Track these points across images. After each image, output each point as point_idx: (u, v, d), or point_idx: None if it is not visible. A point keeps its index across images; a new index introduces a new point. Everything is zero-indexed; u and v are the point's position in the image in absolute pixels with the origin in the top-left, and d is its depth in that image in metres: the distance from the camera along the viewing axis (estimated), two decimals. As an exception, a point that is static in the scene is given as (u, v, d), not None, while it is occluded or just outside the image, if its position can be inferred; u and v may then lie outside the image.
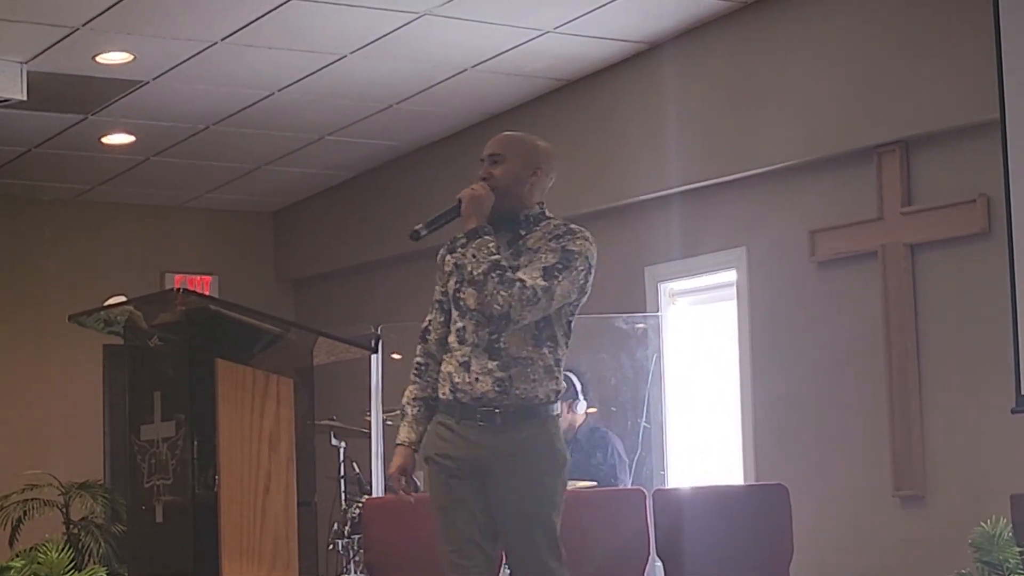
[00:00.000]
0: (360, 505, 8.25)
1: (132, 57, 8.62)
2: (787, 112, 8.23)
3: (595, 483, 8.07)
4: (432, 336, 4.87)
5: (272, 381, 5.85)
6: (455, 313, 4.80)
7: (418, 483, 8.50)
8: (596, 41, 8.74)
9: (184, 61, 8.71)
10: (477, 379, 4.69)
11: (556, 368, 4.76)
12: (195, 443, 5.73)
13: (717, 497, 6.98)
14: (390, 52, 8.72)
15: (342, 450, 8.92)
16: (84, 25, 8.08)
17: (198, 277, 12.05)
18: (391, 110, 9.83)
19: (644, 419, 8.85)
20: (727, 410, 8.79)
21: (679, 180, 8.81)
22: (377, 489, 8.85)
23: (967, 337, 7.48)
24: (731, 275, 8.71)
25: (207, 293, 11.36)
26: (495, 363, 4.69)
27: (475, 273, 4.63)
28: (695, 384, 9.14)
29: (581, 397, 8.30)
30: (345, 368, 7.40)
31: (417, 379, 4.86)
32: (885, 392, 7.73)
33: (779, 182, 8.39)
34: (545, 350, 4.73)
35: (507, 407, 4.67)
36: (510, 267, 4.66)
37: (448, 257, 4.84)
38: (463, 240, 4.77)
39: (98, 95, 9.26)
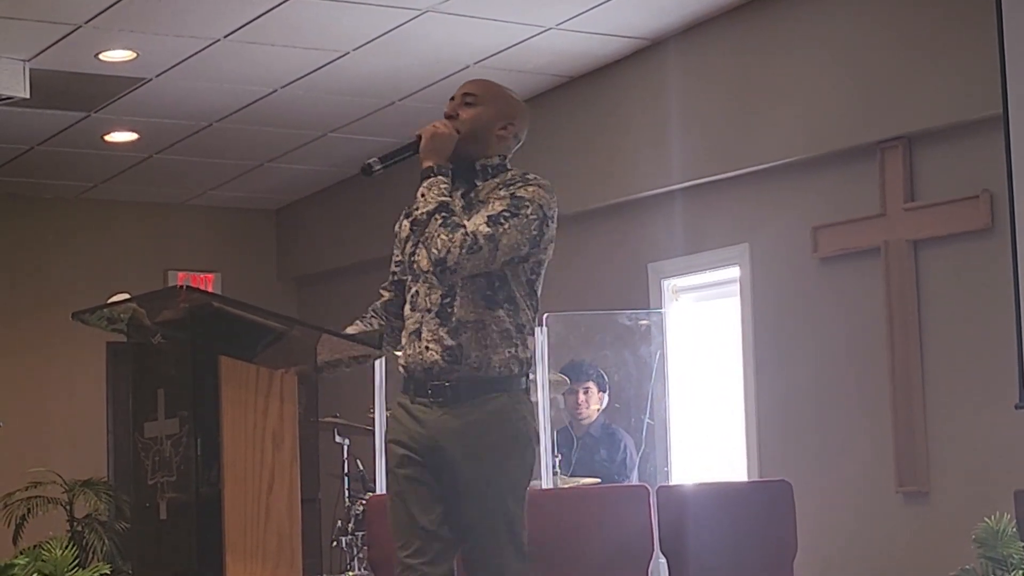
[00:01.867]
0: (363, 502, 8.25)
1: (135, 54, 8.62)
2: (790, 108, 8.23)
3: (598, 480, 8.08)
4: (383, 299, 4.62)
5: (276, 378, 5.84)
6: (409, 279, 4.47)
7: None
8: (598, 38, 8.74)
9: (187, 58, 8.71)
10: (427, 347, 4.32)
11: (517, 334, 4.31)
12: (199, 440, 5.71)
13: (721, 493, 6.97)
14: (393, 49, 8.72)
15: (345, 447, 8.92)
16: (87, 23, 8.08)
17: (201, 275, 12.06)
18: (394, 107, 9.83)
19: (648, 415, 8.85)
20: (730, 406, 8.79)
21: (682, 177, 8.81)
22: (380, 486, 8.85)
23: (970, 333, 7.48)
24: (734, 271, 8.72)
25: (210, 290, 11.36)
26: (444, 329, 4.29)
27: (419, 213, 4.27)
28: (698, 380, 9.15)
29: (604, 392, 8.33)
30: (348, 365, 7.40)
31: (364, 314, 4.61)
32: (888, 388, 7.73)
33: (782, 178, 8.39)
34: (501, 312, 4.30)
35: (459, 379, 4.28)
36: (459, 214, 4.28)
37: (405, 223, 4.53)
38: None
39: (101, 93, 9.27)
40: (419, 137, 4.40)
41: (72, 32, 8.20)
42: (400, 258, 4.56)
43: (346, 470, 8.90)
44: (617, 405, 8.89)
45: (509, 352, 4.31)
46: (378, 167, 4.45)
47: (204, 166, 11.10)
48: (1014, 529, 5.71)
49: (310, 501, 6.00)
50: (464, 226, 4.22)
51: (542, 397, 8.44)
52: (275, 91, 9.43)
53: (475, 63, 9.00)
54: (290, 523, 5.73)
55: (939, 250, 7.62)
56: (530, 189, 4.33)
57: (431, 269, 4.31)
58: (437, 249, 4.21)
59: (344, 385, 8.91)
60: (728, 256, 8.72)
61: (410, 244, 4.48)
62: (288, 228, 12.53)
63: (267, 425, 5.79)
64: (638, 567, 6.70)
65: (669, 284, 9.16)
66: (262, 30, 8.30)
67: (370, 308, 4.68)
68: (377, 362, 8.98)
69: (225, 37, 8.40)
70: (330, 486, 8.61)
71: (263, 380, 5.79)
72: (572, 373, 8.48)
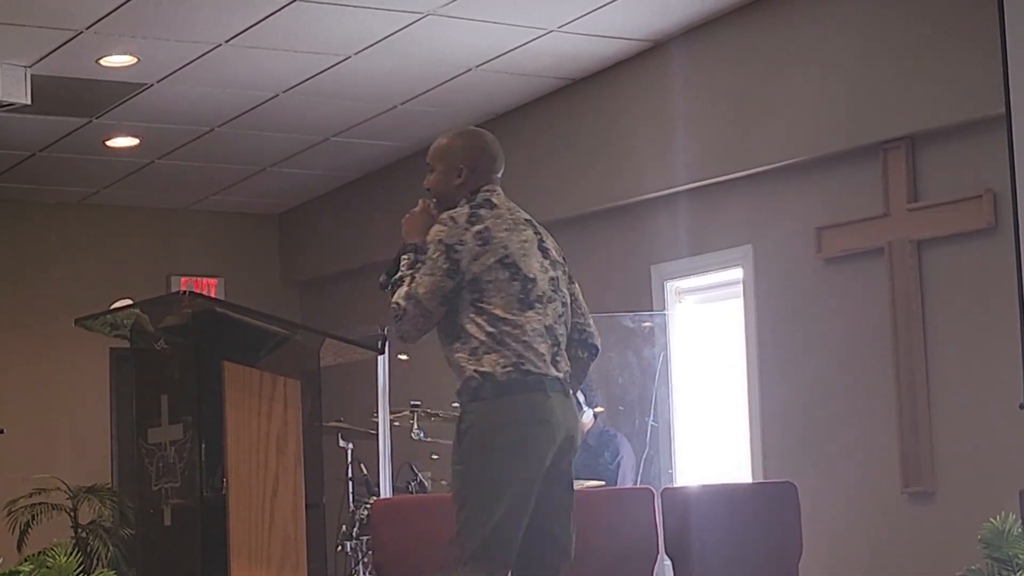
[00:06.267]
0: (368, 506, 8.24)
1: (136, 60, 8.62)
2: (792, 109, 8.22)
3: (603, 482, 8.06)
4: None
5: (279, 383, 5.84)
6: None
7: (425, 484, 8.51)
8: (600, 40, 8.73)
9: (188, 63, 8.71)
10: None
11: (470, 360, 4.57)
12: (203, 446, 5.72)
13: (725, 495, 6.96)
14: (394, 52, 8.71)
15: (350, 451, 8.91)
16: (88, 28, 8.08)
17: (204, 280, 12.05)
18: (396, 111, 9.83)
19: (651, 417, 8.84)
20: (735, 408, 8.78)
21: (685, 178, 8.80)
22: (385, 490, 8.84)
23: (974, 332, 7.47)
24: (738, 273, 8.71)
25: (213, 296, 11.36)
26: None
27: (393, 301, 4.66)
28: (702, 382, 9.13)
29: (586, 407, 8.29)
30: (352, 369, 7.39)
31: None
32: (893, 388, 7.72)
33: (785, 179, 8.38)
34: (457, 345, 4.61)
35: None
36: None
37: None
38: None
39: (102, 98, 9.26)
40: None
41: (73, 38, 8.20)
42: None
43: (350, 474, 8.89)
44: (621, 407, 8.89)
45: (465, 375, 4.58)
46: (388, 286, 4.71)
47: (206, 171, 11.09)
48: (1020, 529, 5.70)
49: (314, 506, 6.00)
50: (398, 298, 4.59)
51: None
52: (277, 95, 9.43)
53: (477, 66, 9.00)
54: (295, 528, 5.73)
55: (943, 250, 7.62)
56: (434, 230, 4.63)
57: None
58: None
59: (348, 389, 8.92)
60: (732, 258, 8.72)
61: None
62: (291, 232, 12.53)
63: (271, 430, 5.79)
64: (643, 569, 6.69)
65: (673, 286, 9.15)
66: (263, 35, 8.29)
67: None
68: (380, 366, 8.99)
69: (226, 42, 8.40)
70: (334, 491, 8.60)
71: (267, 385, 5.80)
72: None
